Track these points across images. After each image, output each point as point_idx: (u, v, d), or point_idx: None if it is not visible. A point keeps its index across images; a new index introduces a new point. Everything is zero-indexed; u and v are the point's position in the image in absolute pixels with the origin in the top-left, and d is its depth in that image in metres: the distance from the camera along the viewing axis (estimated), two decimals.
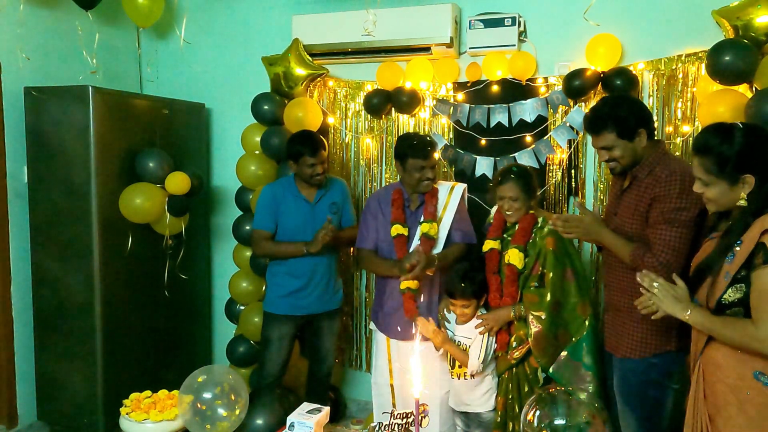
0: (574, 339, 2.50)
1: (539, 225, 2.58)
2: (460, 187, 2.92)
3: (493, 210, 2.83)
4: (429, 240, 2.78)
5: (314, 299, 3.10)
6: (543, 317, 2.46)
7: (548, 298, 2.48)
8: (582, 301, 2.50)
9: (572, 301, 2.50)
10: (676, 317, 1.81)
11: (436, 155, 2.97)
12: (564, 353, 2.50)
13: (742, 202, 1.74)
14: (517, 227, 2.62)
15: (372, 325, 3.01)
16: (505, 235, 2.68)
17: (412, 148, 2.76)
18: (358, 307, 3.71)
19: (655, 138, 2.30)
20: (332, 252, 3.13)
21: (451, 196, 2.89)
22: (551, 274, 2.49)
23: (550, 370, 2.49)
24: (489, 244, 2.68)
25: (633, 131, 2.17)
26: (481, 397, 2.65)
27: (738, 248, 1.72)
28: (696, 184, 1.84)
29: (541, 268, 2.53)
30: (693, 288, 1.87)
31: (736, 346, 1.71)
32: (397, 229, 2.81)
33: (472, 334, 2.61)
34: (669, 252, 2.10)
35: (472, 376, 2.62)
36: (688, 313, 1.76)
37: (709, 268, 1.79)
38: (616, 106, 2.21)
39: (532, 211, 2.63)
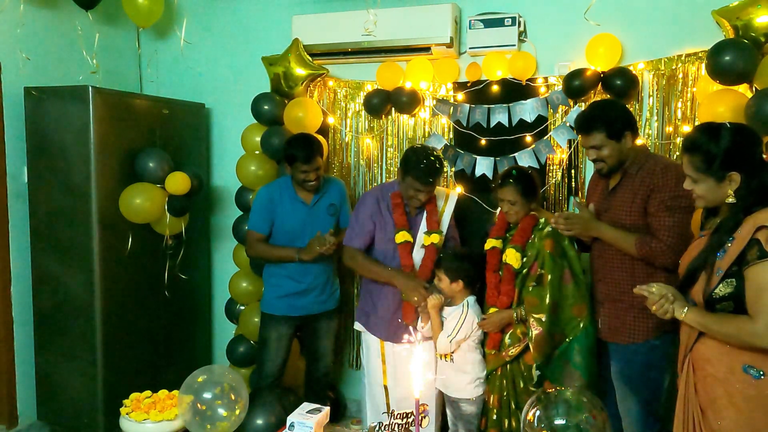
0: (568, 339, 2.55)
1: (539, 226, 2.62)
2: (455, 195, 2.97)
3: (499, 210, 2.85)
4: (436, 249, 2.80)
5: (312, 300, 3.09)
6: (543, 319, 2.51)
7: (547, 300, 2.52)
8: (579, 303, 2.54)
9: (569, 302, 2.54)
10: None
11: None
12: (555, 351, 2.56)
13: (731, 199, 1.79)
14: (517, 228, 2.67)
15: (358, 326, 2.99)
16: (507, 235, 2.72)
17: (416, 170, 2.69)
18: (359, 304, 3.70)
19: (637, 142, 2.48)
20: (329, 255, 3.09)
21: (447, 204, 2.90)
22: (549, 277, 2.53)
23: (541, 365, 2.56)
24: (491, 243, 2.72)
25: (621, 132, 2.36)
26: (465, 385, 2.68)
27: (729, 244, 1.76)
28: (686, 181, 1.91)
29: (539, 269, 2.57)
30: (684, 286, 1.92)
31: (733, 343, 1.75)
32: (403, 236, 2.79)
33: (448, 316, 2.67)
34: (674, 236, 2.25)
35: (445, 356, 2.68)
36: (685, 311, 1.83)
37: (702, 265, 1.83)
38: (606, 109, 2.43)
39: (533, 212, 2.67)
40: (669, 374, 2.39)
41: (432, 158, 2.72)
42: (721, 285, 1.76)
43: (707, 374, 1.82)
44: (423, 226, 2.84)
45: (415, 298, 2.69)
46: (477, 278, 2.72)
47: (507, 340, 2.62)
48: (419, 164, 2.69)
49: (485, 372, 2.68)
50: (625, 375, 2.44)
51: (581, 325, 2.53)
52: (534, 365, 2.57)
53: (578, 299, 2.54)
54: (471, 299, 2.70)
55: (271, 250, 3.05)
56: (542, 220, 2.64)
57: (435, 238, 2.79)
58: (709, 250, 1.82)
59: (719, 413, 1.78)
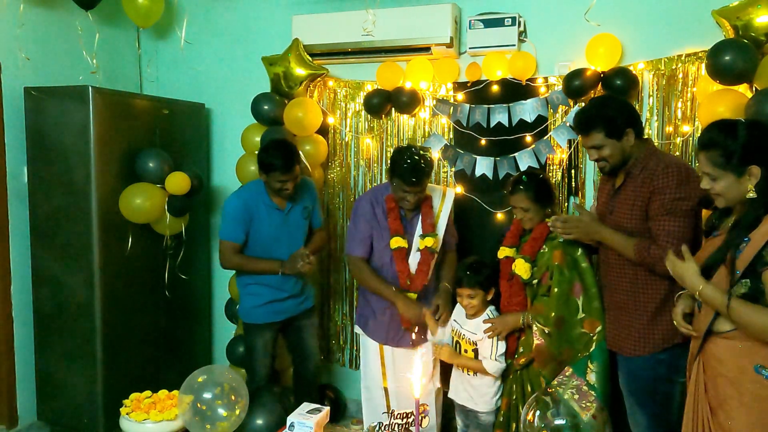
0: (579, 355, 2.42)
1: (552, 234, 2.53)
2: (451, 193, 2.93)
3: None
4: (431, 253, 2.77)
5: (291, 304, 3.06)
6: (547, 331, 2.45)
7: (552, 313, 2.45)
8: (590, 318, 2.42)
9: (579, 317, 2.43)
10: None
11: (432, 168, 2.77)
12: (569, 369, 2.43)
13: (751, 194, 1.77)
14: (529, 236, 2.61)
15: (358, 330, 2.98)
16: (522, 240, 2.66)
17: (400, 170, 2.64)
18: (357, 307, 3.70)
19: (644, 137, 2.37)
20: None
21: (444, 202, 2.87)
22: (555, 290, 2.46)
23: (553, 382, 2.43)
24: (504, 252, 2.67)
25: (621, 131, 2.25)
26: (483, 395, 2.66)
27: (744, 245, 1.74)
28: (703, 180, 1.87)
29: (549, 280, 2.49)
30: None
31: (756, 331, 1.70)
32: (397, 242, 2.75)
33: (478, 331, 2.63)
34: (674, 242, 2.13)
35: (468, 370, 2.66)
36: (701, 287, 1.78)
37: (721, 260, 1.80)
38: (604, 106, 2.31)
39: (548, 219, 2.57)
40: (680, 385, 2.27)
41: (416, 157, 2.63)
42: (736, 285, 1.73)
43: (718, 374, 1.80)
44: (419, 228, 2.81)
45: (416, 329, 2.71)
46: (494, 285, 2.69)
47: (520, 349, 2.58)
48: (403, 165, 2.63)
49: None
50: (632, 389, 2.35)
51: (594, 341, 2.40)
52: (542, 376, 2.49)
53: (590, 313, 2.42)
54: (491, 308, 2.68)
55: (251, 263, 2.96)
56: None
57: (429, 242, 2.75)
58: (728, 245, 1.79)
59: (730, 413, 1.76)
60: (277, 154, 2.82)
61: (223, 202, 3.87)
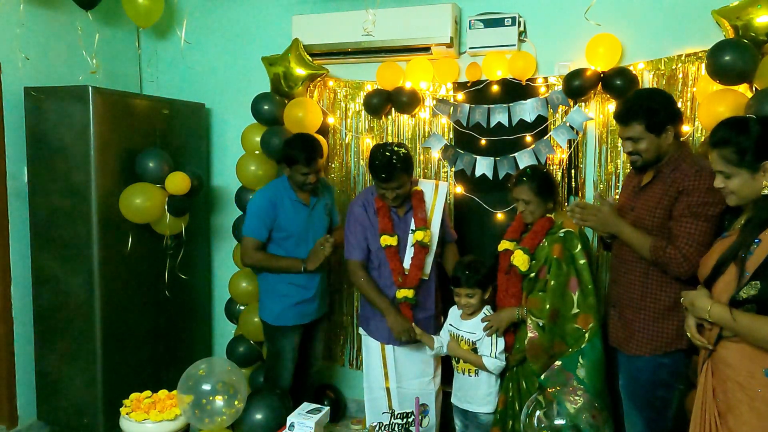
0: (570, 350, 2.44)
1: (553, 230, 2.54)
2: (444, 186, 2.95)
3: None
4: (423, 248, 2.77)
5: (316, 306, 3.07)
6: (541, 324, 2.45)
7: (547, 305, 2.45)
8: (584, 313, 2.44)
9: (573, 312, 2.45)
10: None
11: (412, 166, 2.79)
12: (558, 363, 2.45)
13: (766, 191, 1.76)
14: (530, 229, 2.62)
15: (361, 331, 2.99)
16: (523, 235, 2.66)
17: (373, 168, 2.68)
18: (358, 308, 3.70)
19: (681, 139, 2.31)
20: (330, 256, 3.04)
21: (437, 196, 2.88)
22: (552, 282, 2.46)
23: (542, 377, 2.45)
24: (504, 245, 2.68)
25: (661, 126, 2.18)
26: (484, 397, 2.65)
27: (755, 246, 1.73)
28: (717, 178, 1.86)
29: (547, 274, 2.49)
30: (709, 281, 1.88)
31: (764, 343, 1.70)
32: (386, 240, 2.76)
33: (476, 330, 2.62)
34: (692, 245, 2.10)
35: (469, 370, 2.65)
36: (709, 307, 1.78)
37: (732, 257, 1.79)
38: (650, 99, 2.24)
39: (550, 215, 2.59)
40: (679, 392, 2.27)
41: (388, 154, 2.65)
42: (745, 287, 1.72)
43: (727, 378, 1.79)
44: (413, 224, 2.82)
45: (403, 338, 2.72)
46: (491, 283, 2.70)
47: (516, 345, 2.58)
48: (375, 161, 2.67)
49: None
50: (631, 391, 2.34)
51: (586, 337, 2.43)
52: (534, 375, 2.50)
53: (584, 309, 2.44)
54: (487, 307, 2.68)
55: (272, 261, 2.95)
56: (558, 223, 2.55)
57: (419, 236, 2.76)
58: (740, 243, 1.77)
59: (740, 418, 1.75)
60: (301, 146, 2.86)
61: (225, 201, 3.93)
